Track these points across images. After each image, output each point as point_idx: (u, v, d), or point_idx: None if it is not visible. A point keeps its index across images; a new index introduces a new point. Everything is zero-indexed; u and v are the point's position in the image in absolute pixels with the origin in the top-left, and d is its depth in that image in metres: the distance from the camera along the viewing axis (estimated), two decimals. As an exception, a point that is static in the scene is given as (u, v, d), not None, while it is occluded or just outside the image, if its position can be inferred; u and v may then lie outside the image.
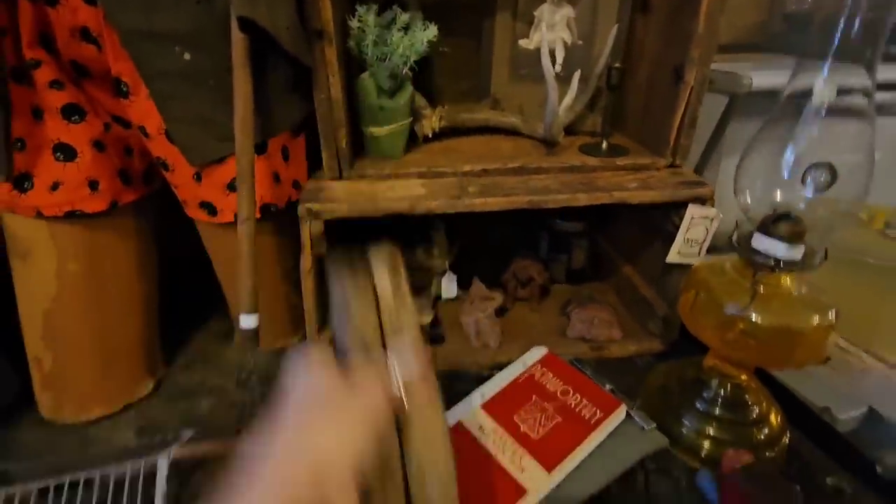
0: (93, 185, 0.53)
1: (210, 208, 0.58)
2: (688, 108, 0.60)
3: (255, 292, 0.52)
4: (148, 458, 0.37)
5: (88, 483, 0.37)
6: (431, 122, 0.69)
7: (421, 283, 0.78)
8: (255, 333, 0.53)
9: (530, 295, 0.77)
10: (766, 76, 0.75)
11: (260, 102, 0.54)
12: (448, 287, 0.78)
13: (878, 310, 0.61)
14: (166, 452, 0.38)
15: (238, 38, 0.47)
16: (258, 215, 0.58)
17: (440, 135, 0.71)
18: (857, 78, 0.45)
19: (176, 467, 0.39)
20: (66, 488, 0.36)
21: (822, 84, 0.46)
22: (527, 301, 0.79)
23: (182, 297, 0.79)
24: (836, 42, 0.44)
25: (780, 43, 0.97)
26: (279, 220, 0.63)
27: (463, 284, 0.78)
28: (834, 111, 0.46)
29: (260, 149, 0.56)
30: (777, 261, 0.46)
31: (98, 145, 0.53)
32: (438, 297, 0.79)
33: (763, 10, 1.00)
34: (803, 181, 0.47)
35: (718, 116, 0.83)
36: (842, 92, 0.46)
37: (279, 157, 0.59)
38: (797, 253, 0.45)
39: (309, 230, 0.56)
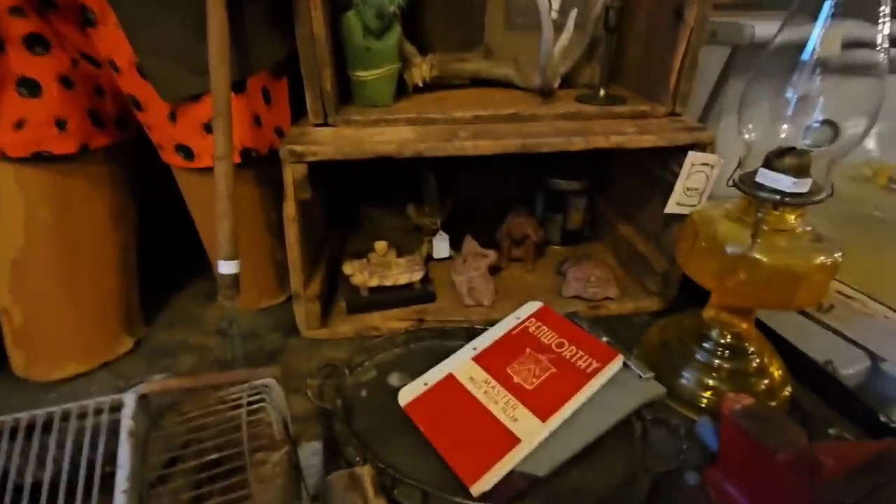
0: (60, 124, 0.50)
1: (186, 152, 0.55)
2: (688, 49, 0.58)
3: (234, 237, 0.49)
4: (114, 396, 0.35)
5: (48, 426, 0.35)
6: (422, 70, 0.66)
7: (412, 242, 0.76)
8: (234, 280, 0.50)
9: (525, 254, 0.75)
10: (769, 27, 0.72)
11: (238, 36, 0.51)
12: (440, 246, 0.75)
13: (883, 261, 0.60)
14: (134, 388, 0.35)
15: (210, -42, 0.44)
16: (238, 160, 0.55)
17: (431, 86, 0.68)
18: (861, 31, 0.43)
19: (146, 406, 0.36)
20: (20, 431, 0.34)
21: (825, 34, 0.44)
22: (521, 261, 0.76)
23: (164, 259, 0.77)
24: None
25: (783, 0, 0.94)
26: (261, 169, 0.60)
27: (456, 247, 0.76)
28: (839, 64, 0.44)
29: (238, 87, 0.53)
30: (782, 196, 0.43)
31: (65, 81, 0.50)
32: (430, 257, 0.76)
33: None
34: (806, 134, 0.45)
35: (719, 72, 0.81)
36: (848, 46, 0.44)
37: (259, 99, 0.56)
38: (803, 186, 0.43)
39: (292, 173, 0.53)
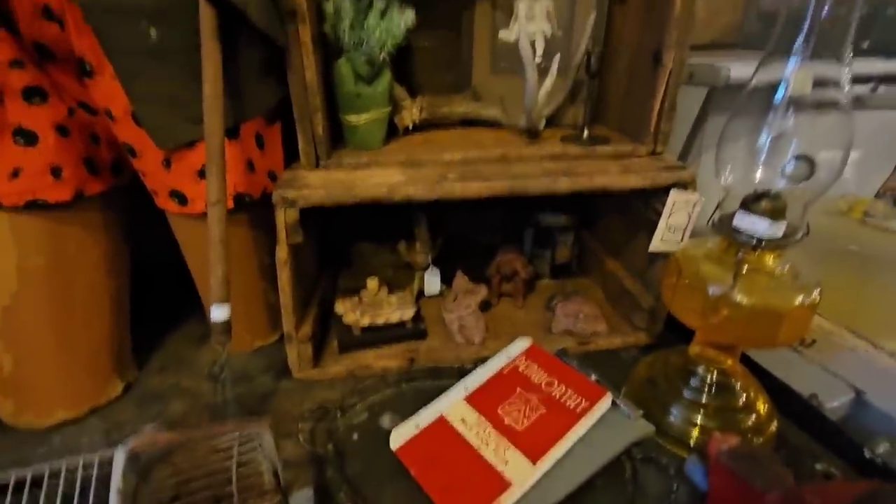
0: (56, 172, 0.50)
1: (180, 197, 0.55)
2: (667, 91, 0.60)
3: (227, 281, 0.50)
4: (103, 452, 0.35)
5: (37, 481, 0.34)
6: (412, 113, 0.68)
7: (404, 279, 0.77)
8: (227, 326, 0.51)
9: (514, 290, 0.76)
10: (743, 68, 0.75)
11: (231, 83, 0.52)
12: (431, 282, 0.76)
13: (861, 295, 0.61)
14: (124, 444, 0.35)
15: (205, 11, 0.46)
16: (231, 205, 0.56)
17: (420, 127, 0.70)
18: (829, 70, 0.46)
19: (135, 461, 0.36)
20: (10, 489, 0.33)
21: (797, 74, 0.46)
22: (511, 296, 0.77)
23: (157, 300, 0.76)
24: (804, 34, 0.44)
25: (756, 41, 0.98)
26: (254, 213, 0.61)
27: (447, 280, 0.77)
28: (811, 102, 0.46)
29: (232, 133, 0.54)
30: (759, 239, 0.45)
31: (61, 130, 0.51)
32: (422, 292, 0.77)
33: (738, 10, 1.01)
34: (783, 171, 0.47)
35: (697, 110, 0.84)
36: (818, 84, 0.46)
37: (253, 144, 0.58)
38: (779, 230, 0.44)
39: (284, 218, 0.54)
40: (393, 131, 0.68)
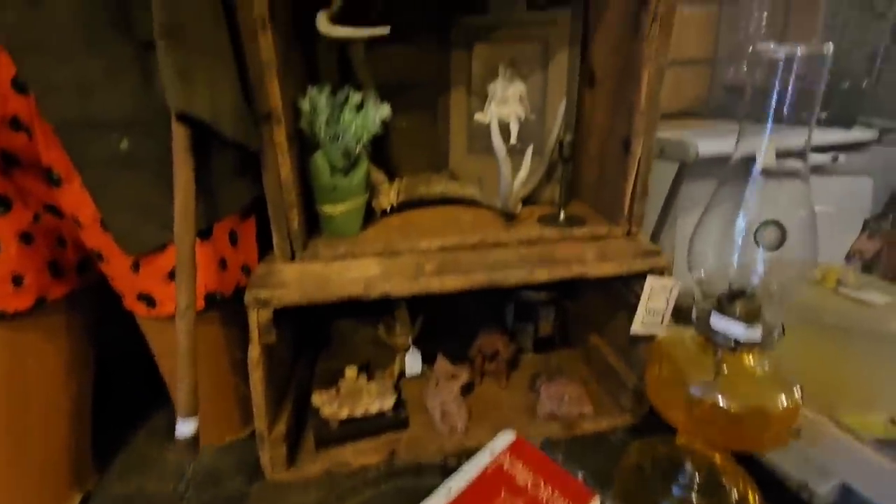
0: (16, 280, 0.48)
1: (149, 300, 0.54)
2: (638, 177, 0.61)
3: (194, 393, 0.48)
4: None
5: None
6: (389, 197, 0.68)
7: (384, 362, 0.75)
8: (193, 440, 0.48)
9: (497, 370, 0.74)
10: (710, 144, 0.78)
11: (205, 186, 0.52)
12: (412, 363, 0.74)
13: (837, 370, 0.61)
14: None
15: (178, 129, 0.45)
16: (202, 305, 0.54)
17: (399, 208, 0.70)
18: (793, 142, 0.47)
19: None
20: None
21: (762, 151, 0.47)
22: (494, 376, 0.75)
23: (121, 394, 0.72)
24: (771, 110, 0.45)
25: (721, 111, 1.03)
26: (226, 309, 0.59)
27: (428, 359, 0.75)
28: (773, 175, 0.48)
29: (204, 234, 0.53)
30: (736, 342, 0.45)
31: (25, 237, 0.49)
32: (403, 373, 0.75)
33: (704, 83, 1.07)
34: (755, 242, 0.48)
35: (670, 183, 0.86)
36: (780, 156, 0.48)
37: (226, 242, 0.57)
38: (755, 333, 0.44)
39: (257, 319, 0.53)
40: (371, 213, 0.68)
